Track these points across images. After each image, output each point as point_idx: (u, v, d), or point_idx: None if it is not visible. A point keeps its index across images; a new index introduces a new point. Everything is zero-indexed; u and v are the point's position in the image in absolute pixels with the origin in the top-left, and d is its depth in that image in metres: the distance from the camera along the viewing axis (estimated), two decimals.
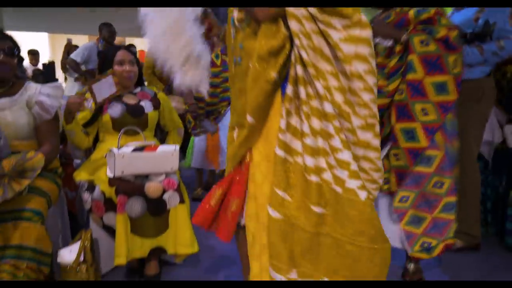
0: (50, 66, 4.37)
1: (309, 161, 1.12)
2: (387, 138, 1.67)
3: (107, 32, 4.01)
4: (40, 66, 5.45)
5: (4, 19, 5.29)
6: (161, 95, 2.17)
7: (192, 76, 1.40)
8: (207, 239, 2.15)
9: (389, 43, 1.66)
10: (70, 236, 1.98)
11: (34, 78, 4.45)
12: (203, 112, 2.96)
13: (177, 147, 1.85)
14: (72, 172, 1.98)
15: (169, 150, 1.81)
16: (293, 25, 1.08)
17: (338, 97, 1.08)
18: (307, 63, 1.09)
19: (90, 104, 1.92)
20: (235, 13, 1.27)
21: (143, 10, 1.33)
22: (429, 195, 1.64)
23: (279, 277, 1.14)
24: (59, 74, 5.41)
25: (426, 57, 1.56)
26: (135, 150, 1.74)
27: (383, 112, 1.66)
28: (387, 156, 1.68)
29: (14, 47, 1.69)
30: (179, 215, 1.76)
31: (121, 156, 1.69)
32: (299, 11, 1.08)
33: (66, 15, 5.71)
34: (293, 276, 1.15)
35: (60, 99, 1.79)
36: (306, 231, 1.12)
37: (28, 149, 1.65)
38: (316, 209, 1.12)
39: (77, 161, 2.44)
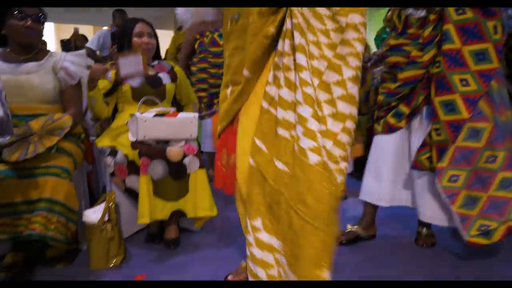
0: (67, 44, 4.43)
1: (281, 113, 1.14)
2: (418, 108, 1.66)
3: (120, 19, 4.04)
4: None
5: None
6: (177, 69, 2.22)
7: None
8: (222, 209, 2.20)
9: (422, 13, 1.59)
10: (89, 205, 2.02)
11: None
12: (205, 94, 2.92)
13: (196, 114, 1.89)
14: (89, 147, 2.03)
15: (189, 116, 1.86)
16: None
17: (328, 52, 1.12)
18: (300, 20, 1.12)
19: (110, 75, 1.97)
20: None
21: None
22: (482, 171, 1.51)
23: (249, 223, 1.17)
24: None
25: (463, 26, 1.48)
26: (157, 115, 1.79)
27: (417, 83, 1.63)
28: (429, 133, 1.62)
29: (40, 13, 1.74)
30: (199, 180, 1.81)
31: (143, 120, 1.74)
32: None
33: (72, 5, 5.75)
34: (257, 224, 1.16)
35: (83, 67, 1.84)
36: (272, 186, 1.13)
37: (53, 112, 1.70)
38: (280, 165, 1.13)
39: (92, 138, 2.49)
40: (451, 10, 1.49)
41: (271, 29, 1.17)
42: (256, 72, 1.22)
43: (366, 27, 1.13)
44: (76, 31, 5.29)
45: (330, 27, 1.13)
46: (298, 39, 1.12)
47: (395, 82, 1.69)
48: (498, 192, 1.49)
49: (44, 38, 5.84)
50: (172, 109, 1.94)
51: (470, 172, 1.52)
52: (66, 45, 4.29)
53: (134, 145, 1.76)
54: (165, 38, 6.04)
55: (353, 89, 1.12)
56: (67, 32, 6.37)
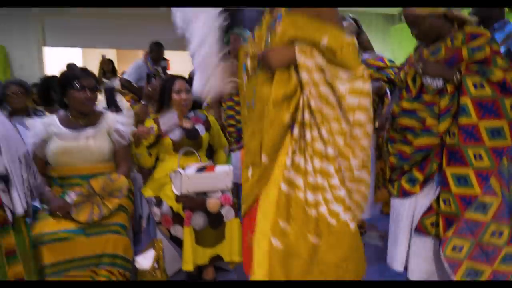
0: (111, 92, 4.70)
1: (310, 196, 1.28)
2: (432, 175, 1.66)
3: (156, 53, 4.31)
4: None
5: (46, 36, 5.69)
6: (211, 118, 2.45)
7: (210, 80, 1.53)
8: None
9: (439, 83, 1.58)
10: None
11: None
12: (234, 130, 3.07)
13: (231, 167, 2.12)
14: None
15: (225, 170, 2.08)
16: (304, 75, 1.23)
17: (340, 140, 1.25)
18: (314, 110, 1.23)
19: (153, 130, 2.21)
20: (248, 61, 1.42)
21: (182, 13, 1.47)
22: (487, 245, 1.51)
23: None
24: None
25: (480, 101, 1.48)
26: (198, 171, 2.02)
27: (430, 151, 1.63)
28: (436, 200, 1.63)
29: (96, 83, 1.98)
30: (234, 228, 2.03)
31: (186, 177, 1.97)
32: (309, 62, 1.22)
33: (97, 30, 6.04)
34: None
35: (131, 126, 2.08)
36: (302, 258, 1.28)
37: (108, 170, 1.95)
38: (313, 238, 1.29)
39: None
40: (469, 84, 1.50)
41: (287, 117, 1.27)
42: (274, 157, 1.32)
43: (372, 122, 1.28)
44: (104, 59, 5.59)
45: (340, 115, 1.26)
46: (314, 128, 1.26)
47: (406, 144, 1.71)
48: (501, 266, 1.51)
49: (71, 61, 6.03)
50: (209, 163, 2.17)
51: (474, 244, 1.53)
52: (110, 94, 4.53)
53: (178, 198, 1.99)
54: (185, 59, 6.31)
55: (361, 174, 1.30)
56: (93, 56, 6.69)
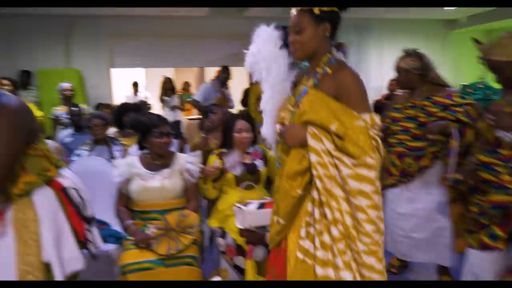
0: (177, 124, 5.13)
1: (319, 270, 1.30)
2: None
3: (225, 76, 4.75)
4: (139, 96, 6.29)
5: (114, 58, 6.27)
6: (268, 152, 2.66)
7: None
8: None
9: None
10: None
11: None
12: None
13: None
14: None
15: None
16: (312, 157, 1.29)
17: (348, 220, 1.27)
18: (320, 189, 1.28)
19: (217, 167, 2.46)
20: (277, 126, 1.49)
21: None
22: None
23: None
24: (155, 103, 6.23)
25: None
26: (259, 207, 2.24)
27: (508, 208, 1.61)
28: None
29: (169, 128, 2.27)
30: None
31: (249, 213, 2.19)
32: (319, 146, 1.28)
33: (158, 51, 6.52)
34: None
35: (199, 164, 2.35)
36: None
37: (181, 205, 2.23)
38: None
39: None
40: None
41: (298, 192, 1.35)
42: (290, 221, 1.41)
43: (377, 208, 1.26)
44: (165, 78, 6.06)
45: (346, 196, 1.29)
46: (322, 206, 1.30)
47: (484, 196, 1.70)
48: None
49: (135, 80, 6.66)
50: (269, 199, 2.38)
51: None
52: (176, 127, 4.93)
53: (242, 233, 2.22)
54: (241, 74, 6.62)
55: (368, 259, 1.27)
56: (153, 74, 7.21)
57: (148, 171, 2.22)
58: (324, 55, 1.42)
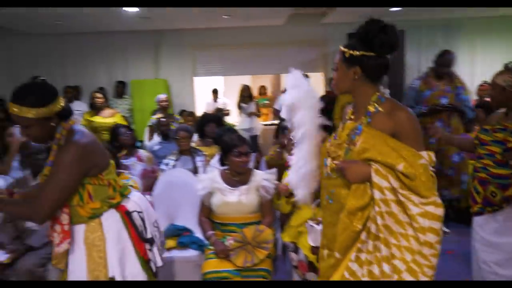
0: (255, 139, 5.40)
1: None
2: None
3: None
4: (218, 102, 6.65)
5: (197, 68, 6.72)
6: None
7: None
8: None
9: None
10: None
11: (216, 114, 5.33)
12: None
13: None
14: None
15: None
16: (376, 194, 1.31)
17: (408, 256, 1.30)
18: (380, 225, 1.30)
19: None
20: (328, 161, 1.47)
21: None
22: None
23: None
24: (233, 109, 6.54)
25: None
26: None
27: None
28: None
29: (248, 148, 2.44)
30: None
31: (321, 232, 2.27)
32: (383, 183, 1.30)
33: (236, 59, 6.87)
34: None
35: (274, 181, 2.48)
36: None
37: (256, 219, 2.39)
38: None
39: None
40: None
41: (358, 226, 1.36)
42: (345, 254, 1.42)
43: (440, 244, 1.29)
44: (243, 86, 6.33)
45: (410, 233, 1.30)
46: (378, 240, 1.33)
47: None
48: None
49: (215, 87, 6.95)
50: None
51: None
52: (254, 141, 4.79)
53: (313, 250, 2.31)
54: (317, 81, 6.66)
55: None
56: (232, 81, 7.54)
57: (228, 187, 2.41)
58: (373, 94, 1.42)
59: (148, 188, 3.16)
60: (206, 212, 2.49)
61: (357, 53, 1.37)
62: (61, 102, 1.55)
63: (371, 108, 1.41)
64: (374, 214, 1.33)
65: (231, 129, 3.67)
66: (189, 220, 2.76)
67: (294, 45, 6.62)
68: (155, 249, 1.77)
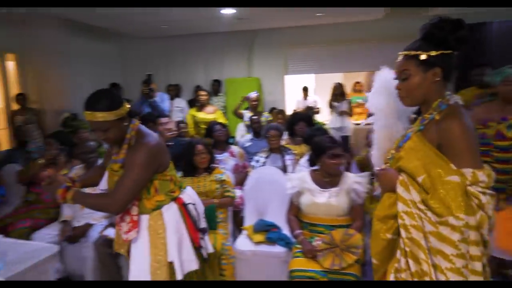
0: (345, 139, 5.33)
1: None
2: None
3: None
4: (309, 100, 6.62)
5: (288, 66, 6.79)
6: None
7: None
8: None
9: None
10: None
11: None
12: None
13: None
14: None
15: None
16: (399, 206, 1.25)
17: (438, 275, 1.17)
18: (405, 241, 1.23)
19: None
20: (376, 167, 1.47)
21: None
22: None
23: None
24: (324, 107, 6.46)
25: None
26: None
27: None
28: None
29: (341, 150, 2.40)
30: None
31: None
32: (407, 195, 1.23)
33: (327, 57, 6.76)
34: None
35: (366, 185, 2.41)
36: None
37: (346, 223, 2.35)
38: None
39: None
40: None
41: (386, 235, 1.32)
42: (382, 262, 1.37)
43: (460, 274, 1.15)
44: (335, 84, 6.22)
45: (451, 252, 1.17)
46: (408, 253, 1.24)
47: None
48: None
49: (305, 85, 6.89)
50: None
51: None
52: (345, 141, 4.72)
53: None
54: None
55: None
56: (323, 78, 7.46)
57: (318, 187, 2.41)
58: (436, 100, 1.32)
59: (239, 182, 3.30)
60: (295, 211, 2.52)
61: (435, 53, 1.28)
62: (127, 105, 1.68)
63: (427, 116, 1.33)
64: (399, 228, 1.27)
65: (321, 129, 3.64)
66: (277, 217, 2.81)
67: (392, 40, 6.27)
68: (206, 238, 1.91)
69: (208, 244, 1.93)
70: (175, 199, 1.79)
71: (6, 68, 5.75)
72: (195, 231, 1.81)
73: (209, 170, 2.89)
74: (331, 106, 6.13)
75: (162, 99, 5.26)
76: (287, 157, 3.48)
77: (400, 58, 1.35)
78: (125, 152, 1.67)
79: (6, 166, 3.83)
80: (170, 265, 1.72)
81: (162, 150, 1.74)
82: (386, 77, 1.56)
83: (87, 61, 6.15)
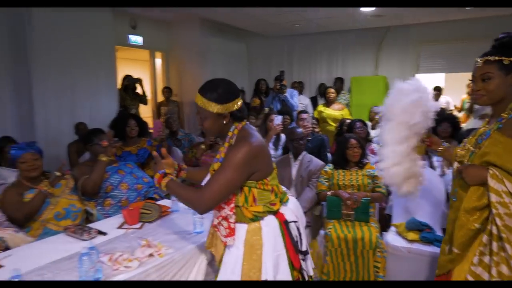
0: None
1: None
2: None
3: None
4: (441, 101, 6.21)
5: (420, 63, 6.43)
6: None
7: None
8: None
9: None
10: None
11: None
12: None
13: None
14: None
15: None
16: (493, 197, 1.37)
17: None
18: (500, 227, 1.35)
19: None
20: (455, 164, 1.60)
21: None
22: None
23: None
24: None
25: None
26: None
27: None
28: None
29: None
30: None
31: None
32: (500, 187, 1.36)
33: (460, 55, 6.24)
34: None
35: None
36: None
37: None
38: None
39: None
40: None
41: (474, 225, 1.43)
42: (464, 251, 1.49)
43: None
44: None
45: None
46: (500, 241, 1.36)
47: None
48: None
49: (437, 85, 6.49)
50: None
51: None
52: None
53: None
54: None
55: None
56: (455, 77, 6.92)
57: None
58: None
59: None
60: None
61: None
62: (239, 103, 1.60)
63: (505, 115, 1.48)
64: (493, 216, 1.39)
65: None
66: (430, 218, 2.73)
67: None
68: (308, 259, 1.74)
69: (309, 266, 1.74)
70: (275, 213, 1.64)
71: (155, 65, 6.54)
72: (294, 253, 1.65)
73: (361, 164, 2.92)
74: (470, 111, 5.65)
75: (291, 95, 5.44)
76: (435, 158, 3.33)
77: (479, 62, 1.51)
78: (225, 151, 1.60)
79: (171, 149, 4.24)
80: None
81: (263, 154, 1.60)
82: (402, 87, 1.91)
83: (220, 59, 6.67)
